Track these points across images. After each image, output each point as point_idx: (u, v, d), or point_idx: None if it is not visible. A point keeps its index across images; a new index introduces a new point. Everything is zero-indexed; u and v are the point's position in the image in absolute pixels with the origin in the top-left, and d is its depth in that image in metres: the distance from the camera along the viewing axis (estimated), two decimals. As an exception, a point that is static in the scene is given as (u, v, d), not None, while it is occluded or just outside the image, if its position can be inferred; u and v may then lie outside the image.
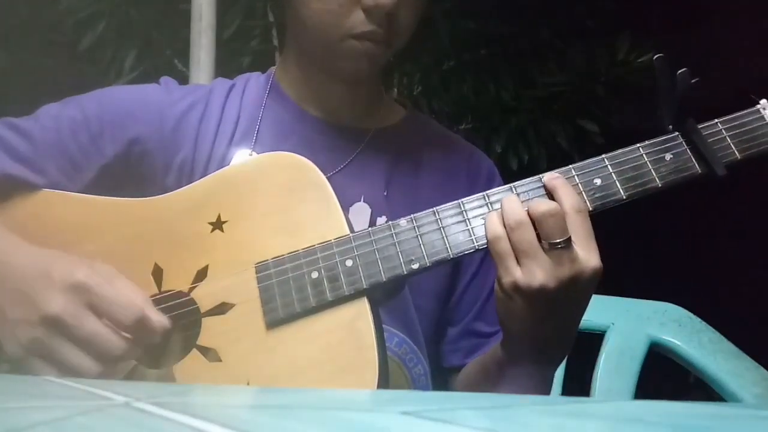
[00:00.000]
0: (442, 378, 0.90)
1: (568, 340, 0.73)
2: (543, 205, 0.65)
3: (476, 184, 0.71)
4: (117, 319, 0.65)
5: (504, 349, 0.75)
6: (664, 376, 1.33)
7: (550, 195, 0.68)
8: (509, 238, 0.65)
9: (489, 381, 0.79)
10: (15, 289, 0.66)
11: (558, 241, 0.64)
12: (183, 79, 0.88)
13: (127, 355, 0.66)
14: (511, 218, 0.65)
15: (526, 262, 0.65)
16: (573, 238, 0.65)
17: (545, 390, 0.77)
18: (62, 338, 0.64)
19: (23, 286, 0.66)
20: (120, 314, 0.65)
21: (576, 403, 0.48)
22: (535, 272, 0.64)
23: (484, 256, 0.89)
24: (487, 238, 0.67)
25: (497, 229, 0.66)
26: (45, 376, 0.64)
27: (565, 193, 0.67)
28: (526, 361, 0.74)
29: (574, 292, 0.66)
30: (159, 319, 0.66)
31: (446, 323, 0.89)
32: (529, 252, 0.64)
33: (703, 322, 1.20)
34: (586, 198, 0.69)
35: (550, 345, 0.72)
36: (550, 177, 0.69)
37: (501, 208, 0.67)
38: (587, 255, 0.65)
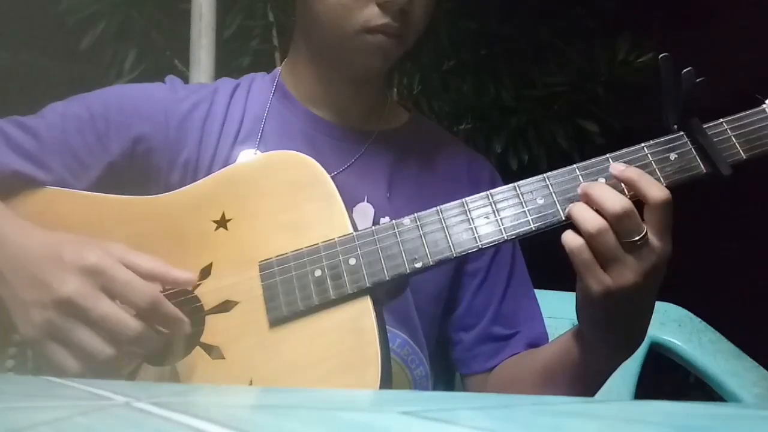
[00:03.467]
0: (442, 380, 0.90)
1: (644, 332, 0.72)
2: (617, 204, 0.63)
3: (478, 190, 0.71)
4: (131, 301, 0.65)
5: (587, 350, 0.73)
6: (664, 376, 1.33)
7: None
8: (590, 246, 0.64)
9: (552, 380, 0.77)
10: (27, 271, 0.66)
11: (636, 238, 0.64)
12: (183, 79, 0.88)
13: (141, 339, 0.65)
14: (590, 226, 0.64)
15: (613, 266, 0.64)
16: (649, 230, 0.64)
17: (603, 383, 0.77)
18: (75, 321, 0.64)
19: (35, 269, 0.66)
20: (133, 296, 0.65)
21: (576, 403, 0.48)
22: (625, 273, 0.64)
23: (492, 259, 0.89)
24: (569, 252, 0.65)
25: (577, 240, 0.65)
26: (60, 360, 0.64)
27: (647, 184, 0.65)
28: (611, 359, 0.73)
29: (655, 281, 0.66)
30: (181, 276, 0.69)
31: (459, 329, 0.89)
32: (614, 255, 0.64)
33: (703, 322, 1.20)
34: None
35: (633, 338, 0.72)
36: (621, 170, 0.67)
37: (572, 218, 0.66)
38: (661, 243, 0.65)
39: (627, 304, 0.66)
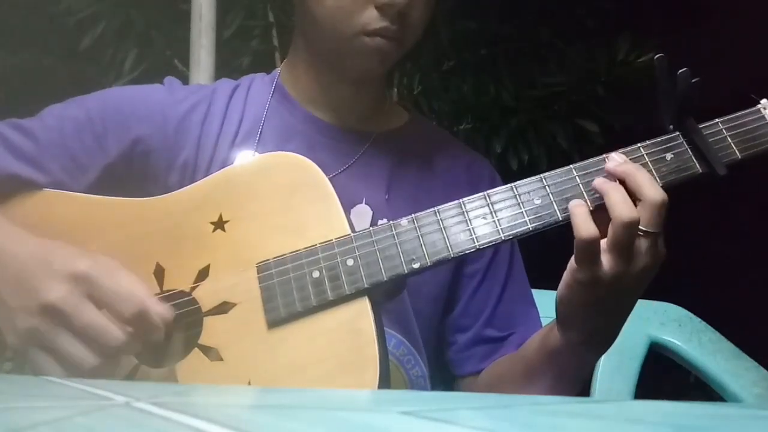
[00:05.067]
0: (441, 381, 0.90)
1: (622, 324, 0.72)
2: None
3: (477, 191, 0.71)
4: (117, 310, 0.65)
5: (565, 340, 0.71)
6: (664, 376, 1.33)
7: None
8: (615, 234, 0.64)
9: (532, 376, 0.77)
10: (15, 278, 0.66)
11: (653, 231, 0.64)
12: (183, 79, 0.88)
13: (126, 348, 0.65)
14: (625, 216, 0.63)
15: (617, 255, 0.64)
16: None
17: (584, 379, 0.77)
18: (60, 328, 0.64)
19: (23, 275, 0.66)
20: (120, 305, 0.65)
21: (576, 403, 0.48)
22: (621, 264, 0.64)
23: (490, 261, 0.89)
24: (580, 236, 0.64)
25: (593, 228, 0.64)
26: (44, 368, 0.64)
27: (648, 183, 0.66)
28: (587, 350, 0.72)
29: (643, 282, 0.66)
30: (160, 310, 0.66)
31: (455, 330, 0.88)
32: (627, 247, 0.64)
33: (703, 322, 1.20)
34: (587, 197, 0.68)
35: (609, 331, 0.72)
36: (617, 163, 0.67)
37: (608, 201, 0.65)
38: (661, 245, 0.66)
39: (611, 295, 0.66)
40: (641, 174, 0.66)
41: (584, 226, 0.64)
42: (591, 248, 0.64)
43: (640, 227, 0.64)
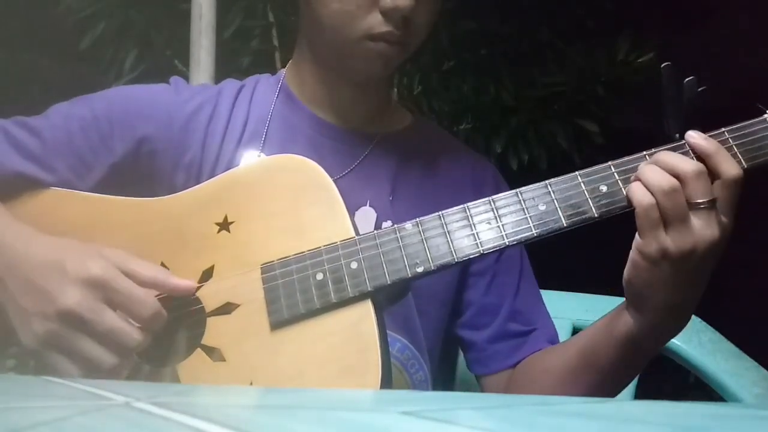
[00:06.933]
0: (441, 382, 0.89)
1: (693, 307, 0.72)
2: (690, 165, 0.65)
3: (482, 193, 0.71)
4: (134, 313, 0.66)
5: (639, 323, 0.70)
6: (664, 376, 1.33)
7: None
8: (660, 206, 0.65)
9: (591, 366, 0.75)
10: (28, 281, 0.66)
11: (703, 200, 0.64)
12: (183, 79, 0.89)
13: (143, 347, 0.66)
14: (664, 184, 0.64)
15: (676, 227, 0.64)
16: (719, 203, 0.65)
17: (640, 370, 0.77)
18: (79, 332, 0.65)
19: (37, 278, 0.66)
20: (137, 309, 0.66)
21: (576, 403, 0.48)
22: (686, 236, 0.64)
23: (499, 257, 0.88)
24: (636, 207, 0.66)
25: (647, 197, 0.65)
26: (60, 368, 0.65)
27: (723, 158, 0.67)
28: (661, 332, 0.72)
29: (713, 255, 0.66)
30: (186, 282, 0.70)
31: (473, 330, 0.87)
32: (681, 216, 0.64)
33: (703, 322, 1.20)
34: (592, 204, 0.68)
35: (683, 312, 0.71)
36: (699, 139, 0.68)
37: (642, 177, 0.66)
38: (726, 219, 0.66)
39: (682, 271, 0.66)
40: (668, 156, 0.67)
41: (638, 194, 0.66)
42: (647, 215, 0.65)
43: (697, 201, 0.64)
